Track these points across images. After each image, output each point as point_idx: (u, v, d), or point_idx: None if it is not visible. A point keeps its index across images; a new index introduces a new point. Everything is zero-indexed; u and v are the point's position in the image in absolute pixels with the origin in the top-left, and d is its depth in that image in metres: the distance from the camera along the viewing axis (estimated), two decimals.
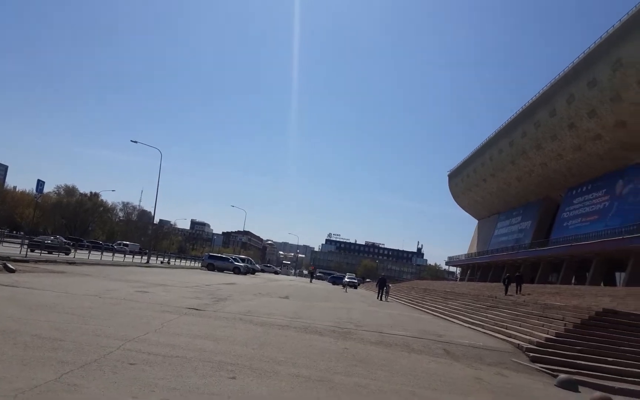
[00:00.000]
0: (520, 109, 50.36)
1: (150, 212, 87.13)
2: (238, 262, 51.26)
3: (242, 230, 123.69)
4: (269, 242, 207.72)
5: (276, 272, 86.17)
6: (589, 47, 37.20)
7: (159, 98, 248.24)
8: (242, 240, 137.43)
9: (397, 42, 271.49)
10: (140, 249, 57.01)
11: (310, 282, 59.56)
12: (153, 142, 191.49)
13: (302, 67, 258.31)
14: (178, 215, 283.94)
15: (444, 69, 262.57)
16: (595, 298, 25.43)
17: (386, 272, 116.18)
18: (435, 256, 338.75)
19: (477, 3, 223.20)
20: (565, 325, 13.87)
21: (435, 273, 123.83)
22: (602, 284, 37.90)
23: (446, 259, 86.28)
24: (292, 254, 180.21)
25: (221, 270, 47.00)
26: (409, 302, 32.31)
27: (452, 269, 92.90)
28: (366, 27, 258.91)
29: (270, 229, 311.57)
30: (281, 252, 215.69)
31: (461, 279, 77.55)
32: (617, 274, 39.72)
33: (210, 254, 56.63)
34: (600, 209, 41.35)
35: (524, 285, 33.65)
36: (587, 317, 14.25)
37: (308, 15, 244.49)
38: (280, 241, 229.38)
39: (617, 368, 11.60)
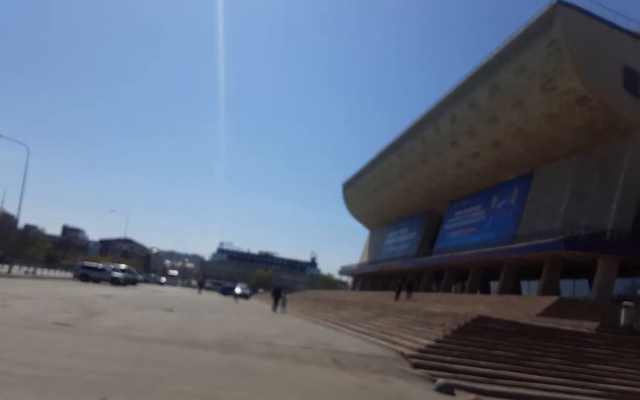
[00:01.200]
0: (409, 126, 53.43)
1: (13, 216, 77.78)
2: (117, 272, 47.49)
3: (122, 237, 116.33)
4: (154, 250, 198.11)
5: (161, 283, 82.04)
6: (470, 71, 40.54)
7: (23, 88, 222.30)
8: (122, 249, 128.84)
9: (293, 44, 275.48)
10: (1, 257, 50.82)
11: (199, 293, 57.52)
12: (18, 137, 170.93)
13: (181, 71, 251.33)
14: (48, 220, 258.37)
15: (340, 82, 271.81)
16: (472, 305, 27.52)
17: (280, 282, 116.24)
18: (329, 266, 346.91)
19: (370, 23, 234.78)
20: (444, 331, 14.64)
21: (328, 283, 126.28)
22: (478, 292, 41.19)
23: (339, 269, 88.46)
24: (180, 264, 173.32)
25: (97, 281, 43.31)
26: (301, 313, 32.41)
27: (345, 278, 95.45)
28: (259, 28, 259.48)
29: (156, 237, 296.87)
30: (168, 262, 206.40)
31: (353, 288, 79.95)
32: (492, 283, 43.42)
33: (85, 263, 51.38)
34: (478, 222, 45.07)
35: (415, 293, 35.96)
36: (463, 324, 15.16)
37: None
38: (167, 250, 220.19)
39: (490, 371, 12.42)
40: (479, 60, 47.63)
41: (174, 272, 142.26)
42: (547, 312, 22.13)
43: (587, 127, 31.18)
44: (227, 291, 63.70)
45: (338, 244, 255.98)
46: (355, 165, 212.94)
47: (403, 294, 34.94)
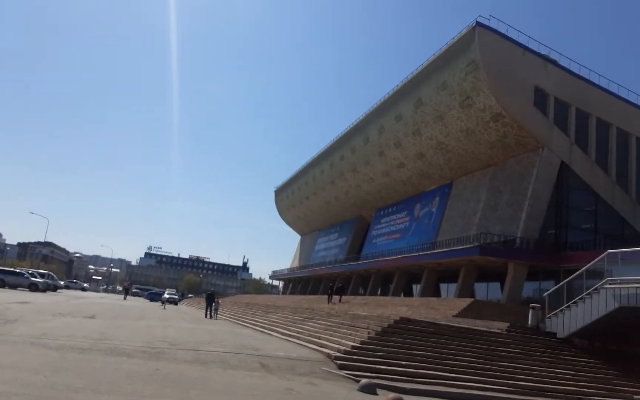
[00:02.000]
0: (340, 135, 54.69)
1: None
2: (36, 277, 44.74)
3: (43, 240, 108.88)
4: (77, 255, 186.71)
5: (84, 289, 77.81)
6: (396, 85, 42.30)
7: None
8: (42, 253, 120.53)
9: (230, 49, 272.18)
10: None
11: (125, 299, 55.35)
12: None
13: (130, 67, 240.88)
14: None
15: (274, 90, 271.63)
16: (396, 308, 28.65)
17: (211, 287, 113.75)
18: (261, 270, 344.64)
19: (313, 33, 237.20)
20: (369, 333, 15.25)
21: (259, 287, 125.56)
22: (402, 295, 42.87)
23: (270, 273, 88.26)
24: (105, 269, 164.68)
25: (13, 286, 40.50)
26: (231, 317, 32.09)
27: (276, 282, 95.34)
28: (193, 34, 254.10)
29: (79, 241, 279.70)
30: (92, 267, 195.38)
31: (283, 293, 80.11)
32: (414, 286, 45.32)
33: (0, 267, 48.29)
34: (402, 229, 46.97)
35: (344, 296, 36.97)
36: (386, 326, 15.88)
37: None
38: (91, 254, 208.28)
39: (410, 370, 13.10)
40: (406, 75, 49.75)
41: (98, 278, 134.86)
42: (463, 314, 23.57)
43: (500, 142, 33.63)
44: (155, 297, 61.56)
45: (270, 248, 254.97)
46: (287, 171, 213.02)
47: (335, 297, 35.85)
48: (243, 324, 27.23)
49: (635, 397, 14.69)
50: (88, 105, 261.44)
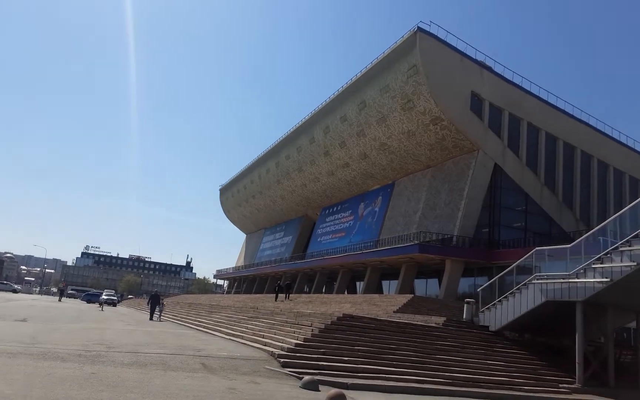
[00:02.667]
0: (286, 134, 54.75)
1: None
2: None
3: None
4: (8, 255, 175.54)
5: (15, 291, 73.38)
6: (342, 86, 42.91)
7: None
8: None
9: (173, 42, 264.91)
10: None
11: (60, 300, 52.92)
12: None
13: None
14: None
15: (222, 81, 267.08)
16: (339, 305, 29.13)
17: (152, 288, 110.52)
18: (205, 270, 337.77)
19: (261, 29, 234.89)
20: (312, 330, 15.49)
21: (204, 287, 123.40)
22: (346, 292, 43.60)
23: (215, 272, 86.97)
24: (39, 269, 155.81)
25: None
26: (173, 318, 31.39)
27: (221, 282, 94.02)
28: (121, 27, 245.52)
29: (10, 240, 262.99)
30: (24, 268, 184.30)
31: (228, 292, 79.14)
32: (358, 283, 46.19)
33: None
34: (347, 227, 47.75)
35: (293, 294, 37.38)
36: (329, 322, 16.18)
37: None
38: (24, 254, 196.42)
39: (352, 366, 13.44)
40: (350, 76, 50.58)
41: (31, 279, 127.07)
42: (403, 309, 24.35)
43: (439, 144, 34.95)
44: (92, 298, 59.05)
45: (214, 247, 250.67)
46: (233, 169, 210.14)
47: (283, 295, 36.16)
48: (186, 324, 26.75)
49: (560, 385, 15.80)
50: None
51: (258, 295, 51.03)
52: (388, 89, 35.67)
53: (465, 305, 21.77)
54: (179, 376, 10.04)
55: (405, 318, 21.01)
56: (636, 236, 14.82)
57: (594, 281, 15.88)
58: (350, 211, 48.42)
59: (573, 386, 15.77)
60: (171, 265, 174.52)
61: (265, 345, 15.33)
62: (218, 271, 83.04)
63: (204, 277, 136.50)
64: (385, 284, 42.24)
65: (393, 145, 38.41)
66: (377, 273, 40.03)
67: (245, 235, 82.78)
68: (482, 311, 20.62)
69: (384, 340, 15.99)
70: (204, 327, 23.66)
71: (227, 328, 21.06)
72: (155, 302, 30.41)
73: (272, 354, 13.90)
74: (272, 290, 44.17)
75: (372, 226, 42.93)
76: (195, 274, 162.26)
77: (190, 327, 24.71)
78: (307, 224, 59.56)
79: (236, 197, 74.85)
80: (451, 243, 31.73)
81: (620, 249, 15.20)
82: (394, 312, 23.76)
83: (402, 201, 40.07)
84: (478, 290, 22.83)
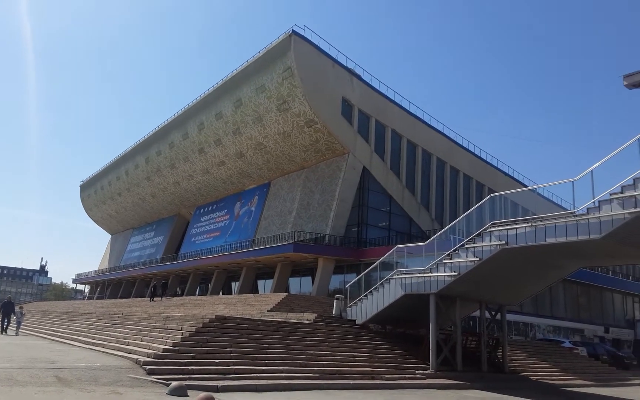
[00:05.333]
0: (156, 128, 52.18)
1: None
2: None
3: None
4: None
5: None
6: (217, 83, 42.17)
7: None
8: None
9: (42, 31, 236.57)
10: None
11: None
12: None
13: None
14: None
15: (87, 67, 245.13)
16: (213, 306, 28.66)
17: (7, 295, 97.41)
18: (63, 274, 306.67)
19: (136, 19, 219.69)
20: (182, 334, 15.03)
21: (61, 293, 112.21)
22: (221, 293, 42.95)
23: (74, 277, 79.67)
24: None
25: None
26: (24, 328, 28.10)
27: (81, 287, 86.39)
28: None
29: None
30: None
31: (90, 297, 72.93)
32: (233, 284, 45.78)
33: None
34: (222, 227, 47.05)
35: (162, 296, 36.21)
36: (201, 325, 15.85)
37: None
38: None
39: (223, 367, 13.32)
40: (226, 73, 49.93)
41: None
42: (277, 308, 24.78)
43: (313, 146, 36.17)
44: None
45: (74, 249, 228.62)
46: (95, 164, 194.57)
47: (158, 298, 34.75)
48: (39, 334, 24.14)
49: (416, 372, 17.35)
50: None
51: (125, 300, 47.91)
52: (264, 89, 35.95)
53: (335, 301, 22.79)
54: (27, 392, 9.11)
55: (278, 316, 21.37)
56: (479, 235, 16.85)
57: (444, 275, 17.72)
58: (226, 210, 47.80)
59: (427, 372, 17.43)
60: (22, 269, 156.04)
61: (130, 353, 14.51)
62: (78, 275, 76.27)
63: (62, 282, 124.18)
64: (260, 283, 42.48)
65: (269, 145, 38.79)
66: (252, 273, 40.11)
67: (110, 236, 77.15)
68: (350, 306, 21.79)
69: (257, 340, 16.12)
70: (60, 336, 21.60)
71: (86, 337, 19.48)
72: (7, 311, 25.11)
73: (137, 361, 13.21)
74: (139, 295, 41.92)
75: (248, 226, 42.87)
76: (51, 278, 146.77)
77: (44, 338, 22.37)
78: (180, 223, 57.43)
79: (100, 195, 69.45)
80: (324, 242, 33.04)
81: (466, 246, 17.15)
82: (268, 311, 24.03)
83: (278, 201, 40.64)
84: (347, 286, 24.09)
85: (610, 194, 13.15)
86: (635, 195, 12.51)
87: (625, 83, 13.42)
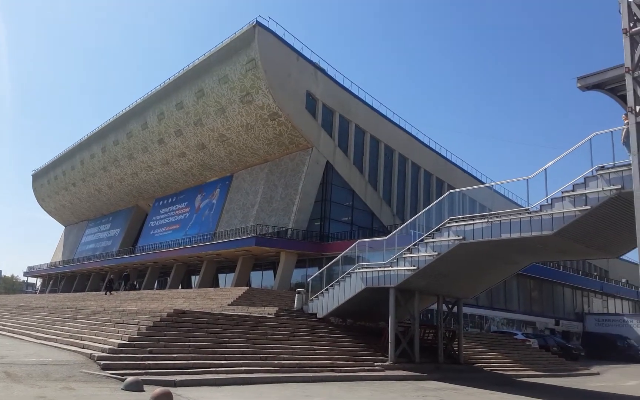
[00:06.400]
0: (114, 117, 50.59)
1: None
2: None
3: None
4: None
5: None
6: (178, 72, 41.23)
7: None
8: None
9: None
10: None
11: None
12: None
13: None
14: None
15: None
16: (172, 300, 28.16)
17: None
18: (13, 267, 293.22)
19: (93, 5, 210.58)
20: (139, 329, 14.69)
21: (11, 286, 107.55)
22: (180, 287, 42.24)
23: (25, 270, 76.55)
24: None
25: None
26: None
27: (33, 280, 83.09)
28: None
29: None
30: None
31: (42, 291, 70.20)
32: (193, 278, 45.08)
33: None
34: (182, 220, 46.19)
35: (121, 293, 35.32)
36: (159, 319, 15.52)
37: None
38: None
39: (181, 362, 13.12)
40: (188, 61, 48.89)
41: None
42: (238, 302, 24.60)
43: (276, 139, 35.98)
44: None
45: (25, 241, 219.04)
46: (49, 153, 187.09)
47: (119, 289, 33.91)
48: None
49: (375, 364, 17.61)
50: None
51: (79, 293, 46.38)
52: (227, 80, 35.45)
53: (296, 294, 22.81)
54: None
55: (239, 310, 21.22)
56: (438, 230, 17.22)
57: (404, 269, 18.03)
58: (186, 203, 46.95)
59: (386, 364, 17.73)
60: None
61: (84, 348, 14.06)
62: (29, 268, 73.31)
63: (12, 275, 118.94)
64: (221, 277, 42.03)
65: (232, 137, 38.32)
66: (213, 266, 39.61)
67: (64, 228, 74.47)
68: (311, 300, 21.86)
69: (217, 334, 15.95)
70: (10, 331, 20.67)
71: (38, 331, 18.74)
72: None
73: (91, 356, 12.82)
74: (95, 289, 40.77)
75: (209, 219, 42.27)
76: (0, 271, 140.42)
77: None
78: (138, 215, 56.01)
79: (53, 185, 66.84)
80: (286, 236, 32.97)
81: (426, 240, 17.50)
82: (228, 305, 23.82)
83: (240, 194, 40.24)
84: (309, 280, 24.15)
85: (563, 192, 13.70)
86: (585, 193, 13.08)
87: (578, 85, 13.94)
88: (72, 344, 15.07)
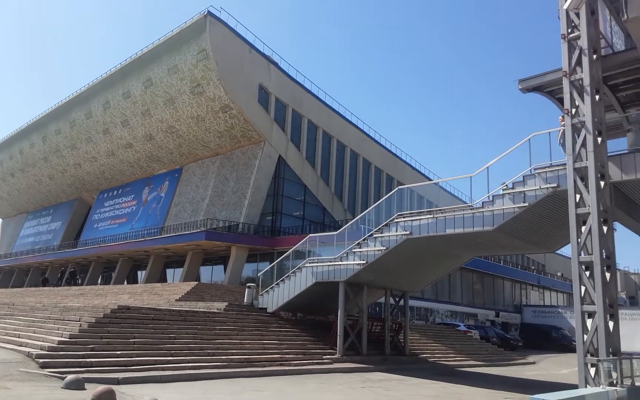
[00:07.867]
0: (56, 105, 48.16)
1: None
2: None
3: None
4: None
5: None
6: (125, 60, 39.77)
7: None
8: None
9: None
10: None
11: None
12: None
13: None
14: None
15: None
16: (116, 296, 27.32)
17: None
18: None
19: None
20: (80, 326, 14.19)
21: None
22: (126, 283, 40.93)
23: None
24: None
25: None
26: None
27: None
28: None
29: None
30: None
31: None
32: (140, 272, 43.85)
33: None
34: (129, 213, 44.73)
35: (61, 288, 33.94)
36: (102, 316, 15.05)
37: None
38: None
39: (126, 359, 12.81)
40: (136, 50, 47.26)
41: None
42: (186, 297, 24.19)
43: (228, 132, 35.51)
44: None
45: None
46: None
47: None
48: None
49: (324, 357, 17.84)
50: None
51: (17, 289, 44.07)
52: (177, 70, 34.61)
53: (246, 289, 22.72)
54: None
55: (187, 306, 20.89)
56: (387, 225, 17.62)
57: (353, 263, 18.35)
58: (133, 196, 45.50)
59: (334, 357, 18.01)
60: None
61: (21, 346, 13.43)
62: None
63: None
64: (170, 272, 41.11)
65: (181, 129, 37.48)
66: (161, 261, 38.66)
67: (0, 220, 70.39)
68: (262, 294, 21.84)
69: (163, 330, 15.66)
70: None
71: None
72: None
73: (29, 354, 12.28)
74: (34, 284, 38.91)
75: (156, 212, 41.18)
76: None
77: None
78: (81, 208, 53.77)
79: None
80: (237, 230, 32.66)
81: (375, 235, 17.89)
82: (176, 300, 23.40)
83: (190, 187, 39.46)
84: (259, 274, 24.08)
85: (503, 190, 14.37)
86: (524, 191, 13.79)
87: (520, 87, 14.65)
88: (8, 342, 14.36)
